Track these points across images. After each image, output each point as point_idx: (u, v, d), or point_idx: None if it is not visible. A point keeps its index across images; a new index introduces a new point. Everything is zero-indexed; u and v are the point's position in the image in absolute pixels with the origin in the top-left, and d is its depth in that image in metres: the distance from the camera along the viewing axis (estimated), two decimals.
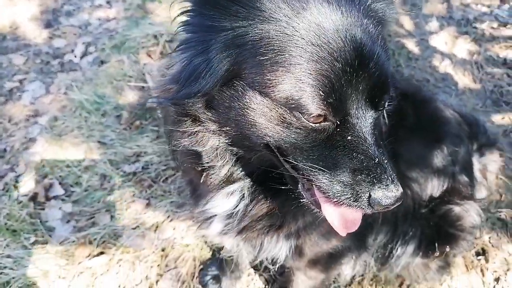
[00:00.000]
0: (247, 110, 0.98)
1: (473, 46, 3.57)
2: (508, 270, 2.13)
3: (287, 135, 0.97)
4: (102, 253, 2.21)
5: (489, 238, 2.24)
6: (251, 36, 0.94)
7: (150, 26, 3.50)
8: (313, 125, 0.93)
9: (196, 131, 1.13)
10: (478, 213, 1.84)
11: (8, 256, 2.19)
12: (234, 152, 1.17)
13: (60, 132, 2.89)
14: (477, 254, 2.19)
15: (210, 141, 1.13)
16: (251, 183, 1.26)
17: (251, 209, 1.31)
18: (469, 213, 1.78)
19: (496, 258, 2.16)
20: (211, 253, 2.22)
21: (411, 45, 3.45)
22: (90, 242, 2.23)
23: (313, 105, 0.90)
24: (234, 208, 1.33)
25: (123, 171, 2.59)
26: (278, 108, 0.94)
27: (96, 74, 3.32)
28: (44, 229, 2.32)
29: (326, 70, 0.88)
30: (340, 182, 0.96)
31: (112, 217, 2.38)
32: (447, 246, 1.70)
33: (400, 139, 1.50)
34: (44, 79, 3.44)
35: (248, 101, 0.97)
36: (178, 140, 1.18)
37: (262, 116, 0.97)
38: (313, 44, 0.89)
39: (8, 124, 3.10)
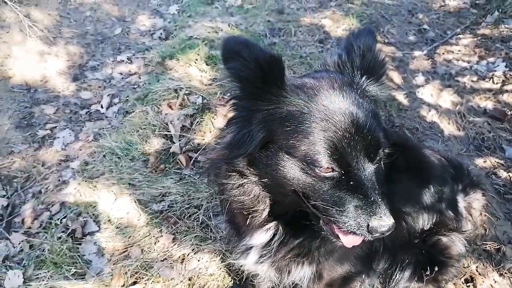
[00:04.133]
0: (278, 166, 1.36)
1: (456, 97, 4.02)
2: None
3: (308, 182, 1.34)
4: (135, 282, 2.48)
5: (476, 267, 2.55)
6: (279, 114, 1.34)
7: (170, 80, 3.93)
8: (325, 174, 1.30)
9: (242, 183, 1.48)
10: (463, 243, 2.16)
11: (52, 287, 2.46)
12: (271, 198, 1.51)
13: (91, 175, 3.23)
14: (466, 281, 2.48)
15: (253, 191, 1.49)
16: (285, 221, 1.60)
17: (285, 242, 1.64)
18: (455, 243, 2.10)
19: (483, 285, 2.46)
20: (232, 281, 2.50)
21: (401, 97, 3.90)
22: (125, 273, 2.51)
23: (324, 161, 1.28)
24: (270, 241, 1.66)
25: (151, 209, 2.90)
26: (300, 164, 1.32)
27: (122, 123, 3.71)
28: (82, 262, 2.61)
29: (332, 137, 1.27)
30: (347, 216, 1.31)
31: (142, 250, 2.67)
32: (437, 271, 2.02)
33: (394, 181, 1.84)
34: (73, 127, 3.83)
35: (279, 159, 1.35)
36: (229, 191, 1.52)
37: (289, 169, 1.34)
38: (322, 119, 1.29)
39: (42, 168, 3.43)
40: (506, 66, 4.39)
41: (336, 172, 1.30)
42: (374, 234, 1.30)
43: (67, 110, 4.03)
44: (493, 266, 2.56)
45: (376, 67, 1.52)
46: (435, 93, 4.06)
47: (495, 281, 2.48)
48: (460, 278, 2.47)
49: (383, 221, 1.28)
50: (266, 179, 1.43)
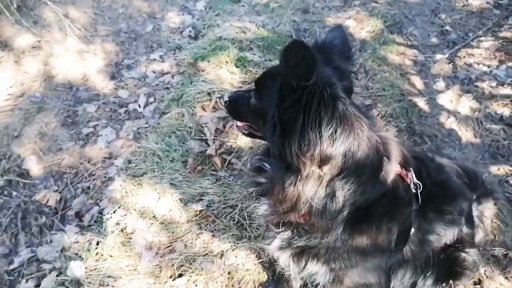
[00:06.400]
0: None
1: (474, 103, 4.20)
2: None
3: None
4: (181, 275, 2.82)
5: (485, 271, 2.83)
6: None
7: (203, 83, 4.19)
8: None
9: None
10: (477, 256, 2.45)
11: (109, 276, 2.83)
12: None
13: (134, 173, 3.55)
14: (475, 283, 2.77)
15: None
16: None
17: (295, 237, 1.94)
18: (472, 256, 2.38)
19: (490, 287, 2.75)
20: (266, 277, 2.83)
21: (422, 103, 4.10)
22: (172, 265, 2.86)
23: None
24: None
25: (191, 208, 3.23)
26: None
27: (159, 124, 4.01)
28: (134, 255, 2.96)
29: None
30: None
31: (185, 245, 3.01)
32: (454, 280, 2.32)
33: (425, 208, 2.08)
34: (114, 126, 4.14)
35: None
36: None
37: None
38: None
39: (88, 165, 3.77)
40: None
41: None
42: None
43: (107, 108, 4.33)
44: (499, 270, 2.84)
45: None
46: (454, 99, 4.24)
47: (501, 284, 2.77)
48: (470, 281, 2.76)
49: None
50: None
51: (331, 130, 1.46)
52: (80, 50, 4.84)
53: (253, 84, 1.89)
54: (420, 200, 1.95)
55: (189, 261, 2.89)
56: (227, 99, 2.18)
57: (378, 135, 1.74)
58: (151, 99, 4.41)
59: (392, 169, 1.80)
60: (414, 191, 1.94)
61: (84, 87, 4.53)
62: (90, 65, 4.75)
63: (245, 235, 3.02)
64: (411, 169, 1.97)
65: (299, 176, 1.58)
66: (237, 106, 2.12)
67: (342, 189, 1.62)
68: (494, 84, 4.44)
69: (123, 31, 5.31)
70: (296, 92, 1.43)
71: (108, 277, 2.82)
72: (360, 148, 1.58)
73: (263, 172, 1.96)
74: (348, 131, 1.52)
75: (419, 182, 1.94)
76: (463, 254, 2.32)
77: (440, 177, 2.32)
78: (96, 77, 4.65)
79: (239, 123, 2.22)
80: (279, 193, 1.69)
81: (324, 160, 1.52)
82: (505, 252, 2.94)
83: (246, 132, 2.21)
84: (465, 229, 2.37)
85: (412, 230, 2.04)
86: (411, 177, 1.94)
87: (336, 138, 1.48)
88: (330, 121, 1.45)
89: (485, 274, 2.82)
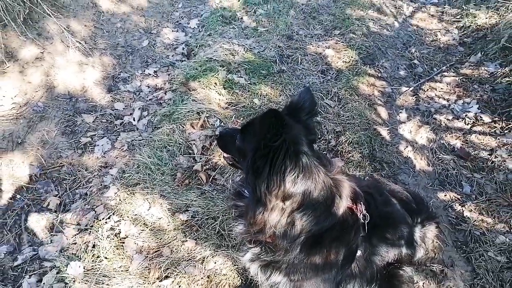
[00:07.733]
0: None
1: (431, 134, 4.78)
2: None
3: None
4: (167, 276, 3.29)
5: (423, 284, 3.39)
6: None
7: (194, 102, 4.65)
8: None
9: None
10: (413, 272, 2.99)
11: (104, 276, 3.26)
12: None
13: (128, 183, 3.99)
14: None
15: None
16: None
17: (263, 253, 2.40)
18: (407, 273, 2.92)
19: None
20: (240, 282, 3.32)
21: (385, 133, 4.66)
22: (159, 268, 3.32)
23: None
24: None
25: (178, 218, 3.69)
26: None
27: (152, 138, 4.44)
28: (126, 257, 3.41)
29: None
30: None
31: (171, 251, 3.47)
32: None
33: (371, 235, 2.60)
34: (109, 136, 4.56)
35: None
36: None
37: None
38: None
39: (86, 172, 4.19)
40: (478, 108, 5.09)
41: None
42: None
43: (103, 119, 4.74)
44: (435, 284, 3.41)
45: None
46: (414, 129, 4.81)
47: None
48: None
49: None
50: None
51: (293, 176, 1.95)
52: (80, 62, 5.22)
53: (240, 127, 2.36)
54: (367, 229, 2.47)
55: (174, 264, 3.35)
56: (218, 134, 2.65)
57: (333, 178, 2.25)
58: (145, 113, 4.84)
59: (342, 205, 2.30)
60: (362, 221, 2.46)
61: (83, 98, 4.92)
62: (89, 77, 5.14)
63: (224, 244, 3.51)
64: (361, 203, 2.48)
65: (266, 208, 2.06)
66: (225, 141, 2.51)
67: (301, 220, 2.11)
68: (450, 117, 5.03)
69: (121, 45, 5.71)
70: (265, 149, 1.91)
71: (103, 276, 3.26)
72: (316, 189, 2.07)
73: (242, 197, 2.45)
74: (307, 177, 2.02)
75: (367, 214, 2.46)
76: (401, 271, 2.87)
77: (386, 209, 2.86)
78: (94, 89, 5.04)
79: (225, 155, 2.68)
80: (251, 219, 2.14)
81: (286, 197, 2.01)
82: (442, 268, 3.51)
83: (230, 163, 2.66)
84: (404, 251, 2.91)
85: (359, 252, 2.57)
86: (361, 210, 2.46)
87: (297, 181, 1.97)
88: (293, 169, 1.94)
89: (423, 287, 3.38)
